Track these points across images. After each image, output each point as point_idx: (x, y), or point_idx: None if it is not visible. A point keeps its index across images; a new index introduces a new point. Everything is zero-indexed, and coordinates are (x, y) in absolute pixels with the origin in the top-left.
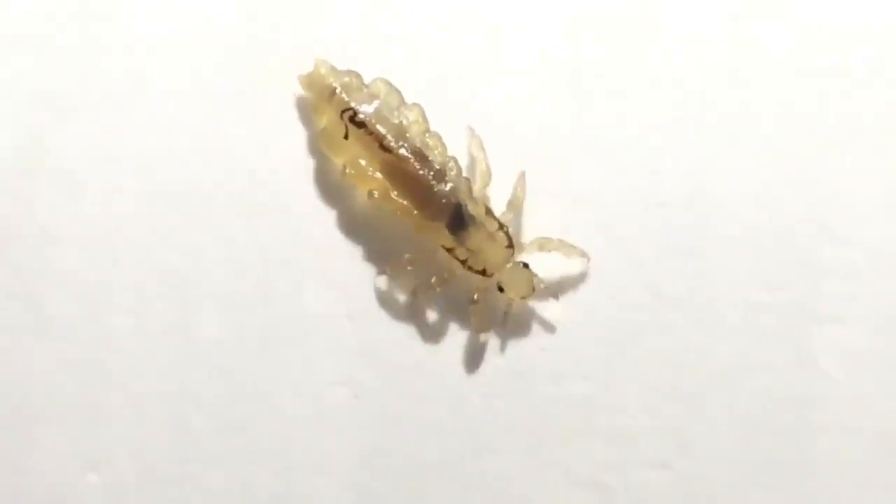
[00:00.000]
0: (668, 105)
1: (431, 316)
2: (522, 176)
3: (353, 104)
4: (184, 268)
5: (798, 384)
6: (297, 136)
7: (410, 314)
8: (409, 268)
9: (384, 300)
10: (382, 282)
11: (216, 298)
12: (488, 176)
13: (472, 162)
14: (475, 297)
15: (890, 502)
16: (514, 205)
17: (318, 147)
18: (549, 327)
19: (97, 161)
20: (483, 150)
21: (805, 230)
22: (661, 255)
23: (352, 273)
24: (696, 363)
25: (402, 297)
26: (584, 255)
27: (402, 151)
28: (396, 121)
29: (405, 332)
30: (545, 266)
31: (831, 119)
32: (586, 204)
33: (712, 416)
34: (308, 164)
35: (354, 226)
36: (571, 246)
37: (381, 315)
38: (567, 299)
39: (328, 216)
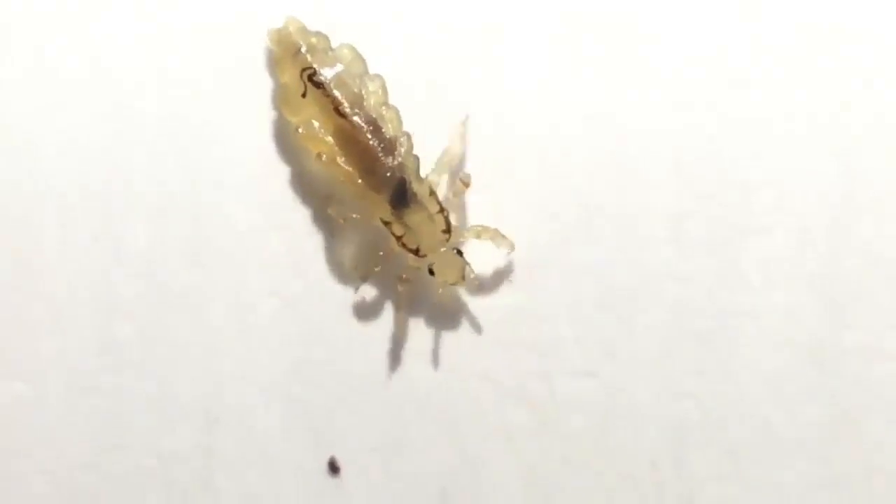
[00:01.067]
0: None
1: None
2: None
3: (314, 65)
4: (112, 180)
5: (723, 295)
6: (260, 87)
7: (340, 227)
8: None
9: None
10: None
11: (145, 211)
12: (449, 166)
13: (447, 148)
14: (403, 276)
15: (810, 411)
16: (457, 191)
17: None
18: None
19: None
20: (461, 141)
21: (732, 144)
22: (588, 167)
23: (281, 188)
24: (622, 273)
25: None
26: (511, 247)
27: (356, 119)
28: (356, 89)
29: (334, 244)
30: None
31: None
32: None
33: (638, 325)
34: (262, 115)
35: (289, 155)
36: (503, 236)
37: (310, 228)
38: (495, 212)
39: (264, 139)
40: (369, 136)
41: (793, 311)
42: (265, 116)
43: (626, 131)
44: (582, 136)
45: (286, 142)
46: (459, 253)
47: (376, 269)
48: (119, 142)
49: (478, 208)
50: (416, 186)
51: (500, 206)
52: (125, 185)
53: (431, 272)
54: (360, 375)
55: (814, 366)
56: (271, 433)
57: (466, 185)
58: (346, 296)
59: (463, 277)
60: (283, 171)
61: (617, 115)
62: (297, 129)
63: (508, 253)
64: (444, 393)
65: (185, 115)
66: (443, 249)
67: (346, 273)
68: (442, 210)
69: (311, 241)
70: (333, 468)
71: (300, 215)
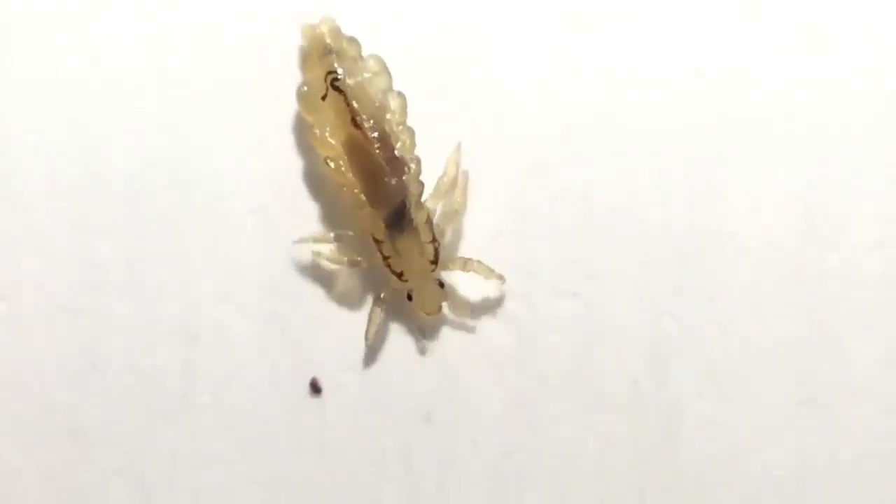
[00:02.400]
0: None
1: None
2: (465, 182)
3: (339, 70)
4: (93, 100)
5: (704, 215)
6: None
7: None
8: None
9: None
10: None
11: (124, 130)
12: (446, 195)
13: (443, 174)
14: (382, 294)
15: (789, 330)
16: (452, 217)
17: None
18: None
19: None
20: (455, 168)
21: (718, 74)
22: (569, 86)
23: (266, 109)
24: (603, 193)
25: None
26: (501, 279)
27: (370, 133)
28: (377, 102)
29: (317, 160)
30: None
31: None
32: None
33: (619, 246)
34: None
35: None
36: (490, 269)
37: (291, 147)
38: (473, 136)
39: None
40: (379, 152)
41: (774, 232)
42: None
43: (613, 50)
44: (568, 54)
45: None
46: (441, 285)
47: (382, 296)
48: (100, 67)
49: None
50: (414, 212)
51: (479, 128)
52: (105, 106)
53: (409, 298)
54: (339, 292)
55: (794, 285)
56: (251, 352)
57: (458, 211)
58: (326, 214)
59: (440, 310)
60: (269, 109)
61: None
62: (311, 129)
63: (500, 283)
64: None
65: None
66: (425, 279)
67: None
68: (434, 240)
69: (291, 160)
70: (315, 388)
71: (281, 136)
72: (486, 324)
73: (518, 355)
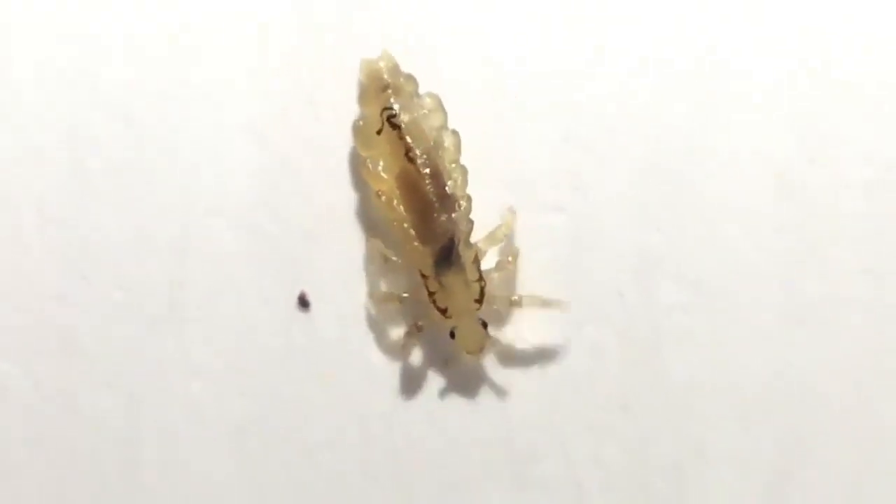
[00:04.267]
0: None
1: None
2: (515, 255)
3: (396, 107)
4: (87, 13)
5: (693, 130)
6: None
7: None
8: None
9: None
10: None
11: (120, 46)
12: (497, 243)
13: (499, 227)
14: (420, 322)
15: (777, 244)
16: (500, 268)
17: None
18: None
19: None
20: (511, 226)
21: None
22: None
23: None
24: (590, 107)
25: None
26: (565, 307)
27: (423, 169)
28: (431, 140)
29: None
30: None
31: None
32: None
33: (607, 160)
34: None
35: None
36: (546, 300)
37: (286, 65)
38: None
39: None
40: (431, 189)
41: (762, 147)
42: None
43: None
44: None
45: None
46: (485, 325)
47: (399, 302)
48: None
49: None
50: (462, 249)
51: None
52: (99, 18)
53: (452, 335)
54: (330, 208)
55: (782, 200)
56: (240, 266)
57: (513, 260)
58: (319, 130)
59: (481, 350)
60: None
61: None
62: (365, 162)
63: (561, 309)
64: None
65: None
66: (469, 318)
67: (371, 299)
68: (480, 279)
69: (285, 77)
70: (303, 303)
71: (277, 53)
72: (472, 237)
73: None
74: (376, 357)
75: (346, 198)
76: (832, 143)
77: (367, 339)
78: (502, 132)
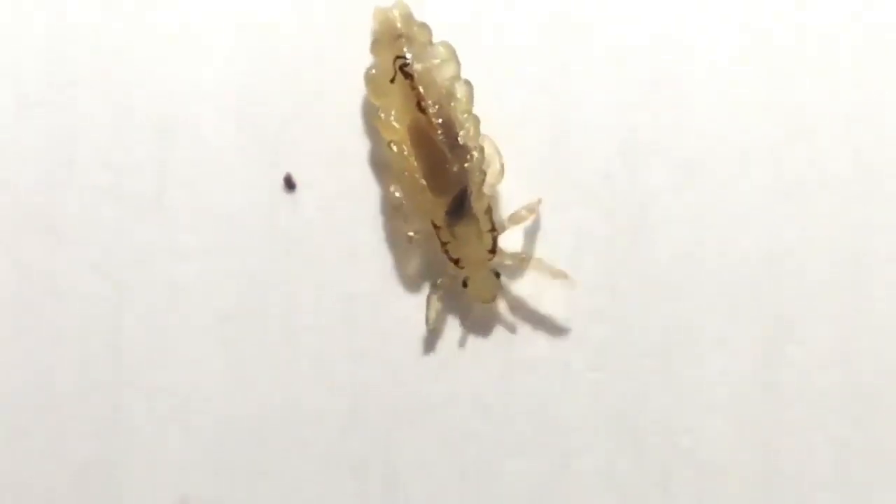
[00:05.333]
0: None
1: None
2: (536, 205)
3: (409, 56)
4: None
5: (681, 17)
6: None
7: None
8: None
9: None
10: None
11: None
12: (500, 176)
13: (488, 159)
14: (439, 281)
15: (764, 122)
16: (515, 220)
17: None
18: None
19: None
20: (499, 152)
21: None
22: None
23: None
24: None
25: None
26: (568, 278)
27: (435, 119)
28: (444, 89)
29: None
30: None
31: None
32: None
33: (592, 39)
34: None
35: None
36: (554, 268)
37: None
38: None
39: None
40: (443, 139)
41: (750, 24)
42: None
43: None
44: None
45: None
46: (497, 275)
47: (439, 282)
48: None
49: None
50: (475, 200)
51: None
52: None
53: (465, 285)
54: (316, 90)
55: (770, 80)
56: (225, 148)
57: (531, 212)
58: (304, 20)
59: (494, 299)
60: None
61: None
62: (377, 112)
63: (563, 279)
64: None
65: None
66: (482, 268)
67: (407, 283)
68: (493, 229)
69: None
70: (289, 184)
71: None
72: None
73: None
74: (362, 238)
75: (332, 81)
76: (822, 19)
77: (353, 220)
78: (487, 8)
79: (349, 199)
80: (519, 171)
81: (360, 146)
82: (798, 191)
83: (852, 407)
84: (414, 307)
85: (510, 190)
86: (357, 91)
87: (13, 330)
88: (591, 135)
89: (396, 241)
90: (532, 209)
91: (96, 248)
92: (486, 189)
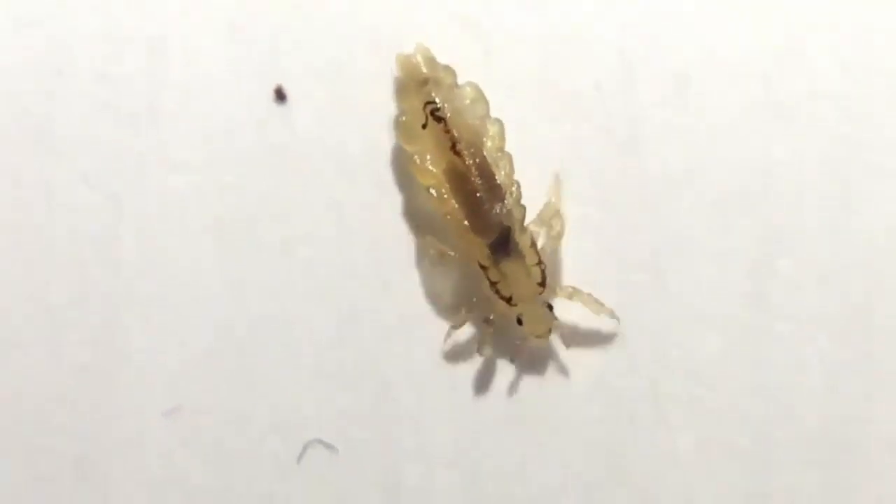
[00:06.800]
0: None
1: None
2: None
3: (438, 100)
4: None
5: None
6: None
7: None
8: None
9: None
10: None
11: None
12: (550, 220)
13: (547, 204)
14: (491, 317)
15: (754, 39)
16: (554, 240)
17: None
18: None
19: None
20: (559, 196)
21: None
22: None
23: None
24: None
25: None
26: (613, 315)
27: (470, 160)
28: (475, 130)
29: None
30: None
31: None
32: None
33: None
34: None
35: None
36: (599, 303)
37: None
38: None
39: None
40: (480, 179)
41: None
42: None
43: None
44: None
45: None
46: (550, 308)
47: (472, 304)
48: None
49: None
50: (518, 236)
51: None
52: None
53: (520, 322)
54: (304, 2)
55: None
56: (217, 59)
57: (560, 235)
58: None
59: (550, 332)
60: None
61: None
62: (412, 158)
63: (609, 317)
64: None
65: None
66: (534, 302)
67: (444, 308)
68: (540, 263)
69: None
70: (280, 96)
71: None
72: (447, 30)
73: (485, 64)
74: (353, 149)
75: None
76: None
77: (345, 131)
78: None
79: (340, 111)
80: (511, 87)
81: (350, 58)
82: (789, 105)
83: (842, 321)
84: (407, 215)
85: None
86: (351, 10)
87: (8, 240)
88: (583, 49)
89: (391, 155)
90: (562, 229)
91: (90, 160)
92: (542, 252)
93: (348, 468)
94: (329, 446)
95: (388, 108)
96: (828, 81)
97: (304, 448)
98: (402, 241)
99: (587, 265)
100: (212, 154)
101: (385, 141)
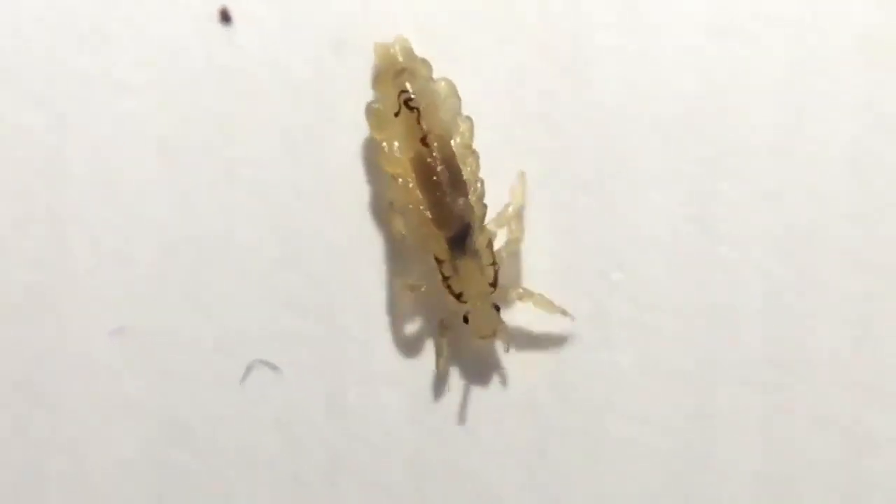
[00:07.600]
0: None
1: None
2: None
3: (411, 91)
4: None
5: None
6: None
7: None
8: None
9: None
10: None
11: None
12: (510, 221)
13: (508, 205)
14: (442, 319)
15: None
16: (512, 243)
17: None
18: None
19: None
20: (520, 196)
21: None
22: None
23: None
24: None
25: None
26: (565, 313)
27: (438, 153)
28: (446, 124)
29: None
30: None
31: None
32: None
33: None
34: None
35: None
36: (552, 304)
37: None
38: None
39: None
40: (445, 173)
41: None
42: None
43: None
44: None
45: None
46: (497, 309)
47: (422, 290)
48: None
49: None
50: (477, 234)
51: None
52: None
53: (465, 320)
54: None
55: None
56: None
57: (517, 239)
58: None
59: (495, 334)
60: None
61: None
62: (381, 146)
63: (562, 315)
64: None
65: None
66: (482, 302)
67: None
68: (494, 263)
69: None
70: (225, 17)
71: None
72: None
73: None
74: (298, 73)
75: None
76: None
77: (290, 53)
78: None
79: (286, 33)
80: (455, 5)
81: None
82: (736, 28)
83: (784, 243)
84: (353, 141)
85: (442, 24)
86: None
87: None
88: None
89: (336, 76)
90: (517, 234)
91: (35, 81)
92: (497, 254)
93: (292, 389)
94: (273, 367)
95: (334, 29)
96: (775, 4)
97: (248, 369)
98: (347, 162)
99: (531, 188)
100: (157, 75)
101: (332, 61)
